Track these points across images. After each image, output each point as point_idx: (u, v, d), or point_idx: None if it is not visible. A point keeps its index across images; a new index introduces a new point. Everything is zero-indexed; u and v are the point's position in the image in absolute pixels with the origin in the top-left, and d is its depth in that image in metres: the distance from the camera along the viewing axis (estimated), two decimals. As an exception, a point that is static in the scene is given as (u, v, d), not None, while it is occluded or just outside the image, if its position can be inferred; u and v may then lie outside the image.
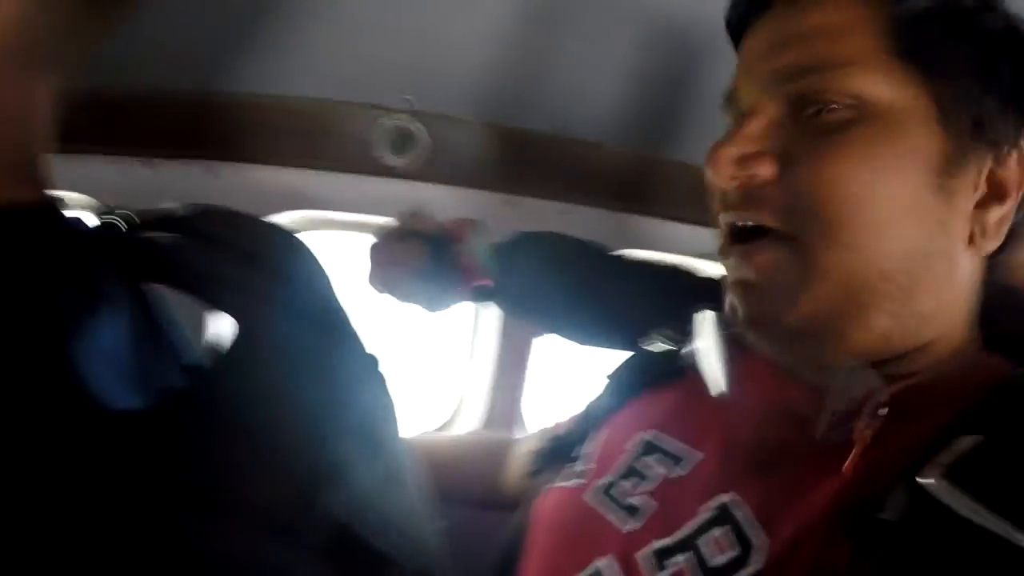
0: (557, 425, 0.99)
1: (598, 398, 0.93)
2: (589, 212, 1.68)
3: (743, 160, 0.66)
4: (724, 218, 0.71)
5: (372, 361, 0.74)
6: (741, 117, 0.69)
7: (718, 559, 0.61)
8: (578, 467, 0.83)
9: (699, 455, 0.73)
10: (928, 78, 0.64)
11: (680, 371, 0.84)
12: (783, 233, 0.65)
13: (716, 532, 0.63)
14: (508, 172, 1.60)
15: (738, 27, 0.75)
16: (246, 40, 1.36)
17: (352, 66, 1.44)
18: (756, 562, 0.59)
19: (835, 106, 0.63)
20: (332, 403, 0.62)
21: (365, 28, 1.39)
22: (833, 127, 0.63)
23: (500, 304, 1.25)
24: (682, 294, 1.04)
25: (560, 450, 0.89)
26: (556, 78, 1.58)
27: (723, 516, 0.64)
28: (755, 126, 0.67)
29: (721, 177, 0.67)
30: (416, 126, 1.50)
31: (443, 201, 1.54)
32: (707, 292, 0.82)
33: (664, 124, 1.65)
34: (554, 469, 0.87)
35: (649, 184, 1.69)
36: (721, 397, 0.75)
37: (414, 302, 1.16)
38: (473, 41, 1.48)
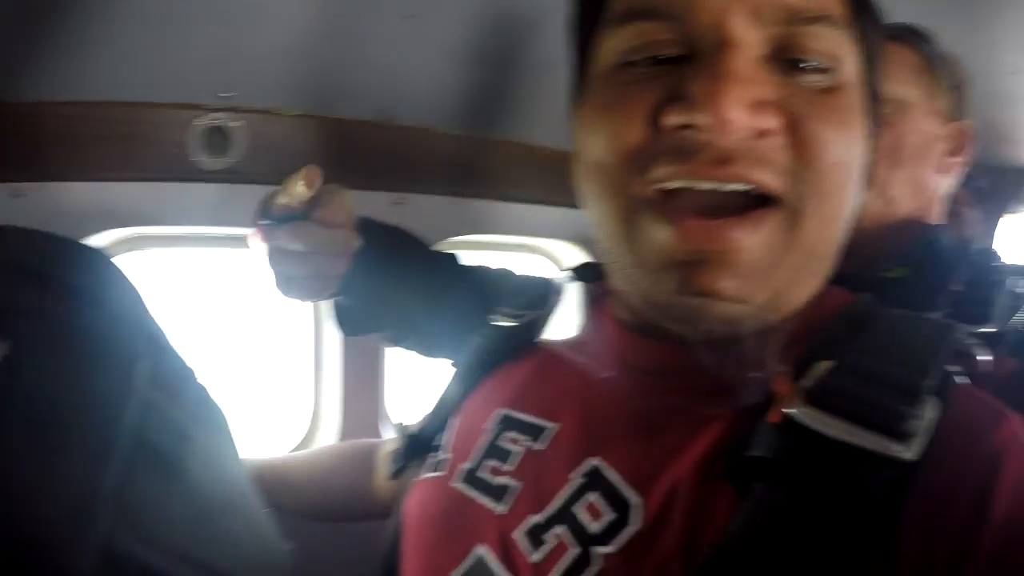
0: (415, 421, 0.96)
1: (449, 385, 0.90)
2: (424, 200, 1.64)
3: (754, 109, 0.56)
4: (706, 181, 0.58)
5: (188, 374, 0.69)
6: (681, 46, 0.60)
7: (595, 525, 0.60)
8: (440, 456, 0.81)
9: (556, 426, 0.71)
10: (867, 51, 0.65)
11: (526, 346, 0.83)
12: (782, 200, 0.59)
13: (590, 497, 0.62)
14: (335, 165, 1.44)
15: None
16: (36, 41, 1.19)
17: (159, 63, 1.29)
18: (635, 522, 0.58)
19: (817, 66, 0.59)
20: (117, 423, 0.57)
21: (169, 20, 1.25)
22: (821, 87, 0.60)
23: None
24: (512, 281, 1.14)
25: (420, 444, 0.87)
26: (377, 61, 1.52)
27: (594, 481, 0.63)
28: (748, 66, 0.57)
29: (735, 124, 0.55)
30: (233, 124, 1.38)
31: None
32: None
33: (494, 104, 1.63)
34: (417, 464, 0.85)
35: (484, 166, 1.67)
36: (577, 365, 0.74)
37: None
38: (286, 26, 1.38)
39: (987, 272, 1.11)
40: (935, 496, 0.50)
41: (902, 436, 0.51)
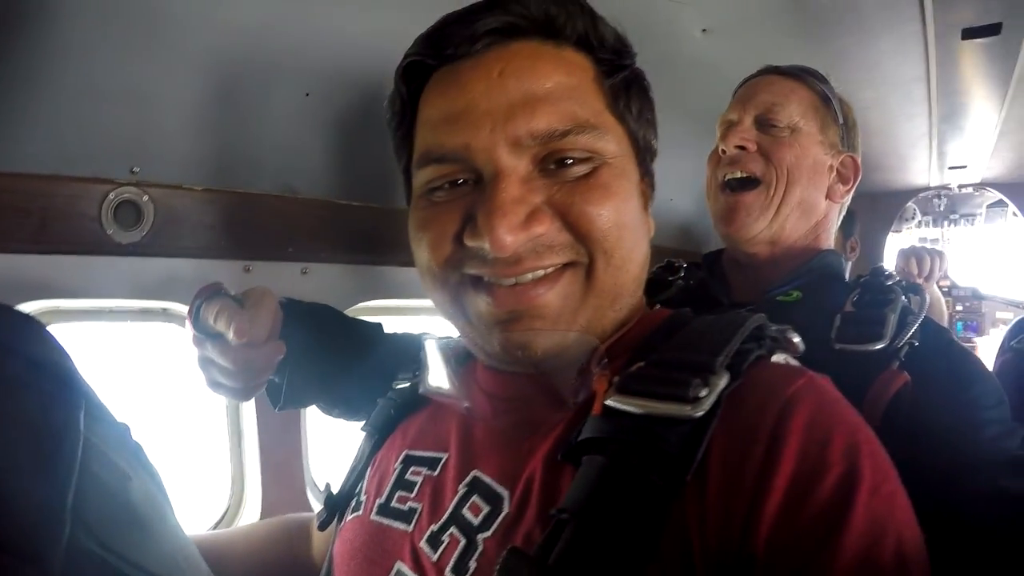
0: (338, 481, 1.07)
1: (362, 445, 1.03)
2: (328, 268, 1.70)
3: (524, 224, 0.72)
4: (506, 279, 0.75)
5: (123, 429, 0.79)
6: (470, 173, 0.76)
7: (477, 519, 0.74)
8: (360, 499, 0.94)
9: (446, 454, 0.86)
10: (628, 128, 0.83)
11: (422, 397, 0.97)
12: (574, 263, 0.77)
13: (472, 499, 0.77)
14: (241, 237, 1.58)
15: (424, 70, 0.82)
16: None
17: (72, 138, 1.34)
18: (506, 508, 0.73)
19: (578, 157, 0.76)
20: (73, 453, 0.67)
21: (82, 97, 1.31)
22: (582, 174, 0.76)
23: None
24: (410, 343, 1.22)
25: (342, 497, 1.00)
26: (278, 137, 1.60)
27: (474, 486, 0.78)
28: (516, 188, 0.73)
29: (511, 246, 0.71)
30: (145, 198, 1.43)
31: (182, 275, 1.51)
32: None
33: (389, 175, 1.65)
34: (341, 514, 0.98)
35: (383, 234, 1.72)
36: (455, 404, 0.89)
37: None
38: (192, 104, 1.45)
39: (879, 291, 1.19)
40: (734, 441, 0.63)
41: (691, 401, 0.64)
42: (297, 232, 1.67)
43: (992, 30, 2.22)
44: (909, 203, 4.99)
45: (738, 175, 1.34)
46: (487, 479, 0.78)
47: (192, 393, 1.33)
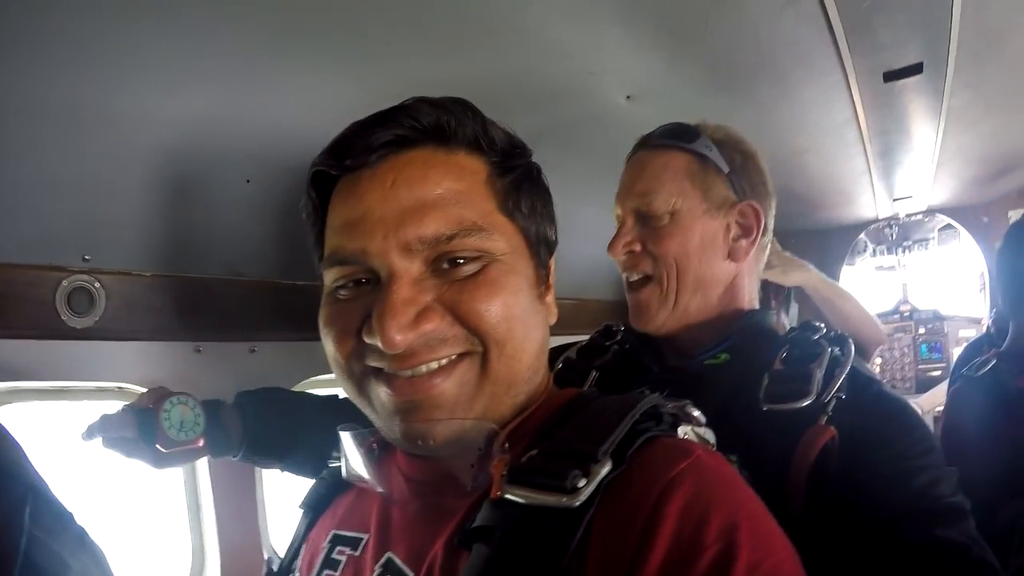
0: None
1: (299, 522, 1.07)
2: (274, 347, 1.75)
3: (413, 323, 0.76)
4: (401, 371, 0.79)
5: (67, 516, 0.85)
6: (369, 273, 0.80)
7: None
8: (295, 575, 1.00)
9: (367, 535, 0.90)
10: (519, 225, 0.88)
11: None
12: (469, 352, 0.80)
13: None
14: (190, 319, 1.63)
15: (330, 176, 0.86)
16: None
17: (26, 226, 1.39)
18: None
19: (468, 257, 0.80)
20: (16, 549, 0.72)
21: (35, 187, 1.36)
22: (470, 273, 0.80)
23: (238, 456, 1.45)
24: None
25: (281, 571, 1.04)
26: (223, 222, 1.65)
27: (387, 568, 0.83)
28: (407, 291, 0.77)
29: (401, 344, 0.75)
30: (97, 285, 1.48)
31: (134, 357, 1.56)
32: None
33: None
34: None
35: None
36: (372, 489, 0.94)
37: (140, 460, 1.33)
38: (140, 192, 1.50)
39: (806, 346, 1.18)
40: (613, 527, 0.66)
41: (569, 491, 0.67)
42: (244, 313, 1.71)
43: (914, 70, 2.31)
44: (860, 236, 5.14)
45: (634, 277, 1.34)
46: (398, 561, 0.83)
47: (148, 468, 1.38)
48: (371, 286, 0.81)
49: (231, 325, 1.70)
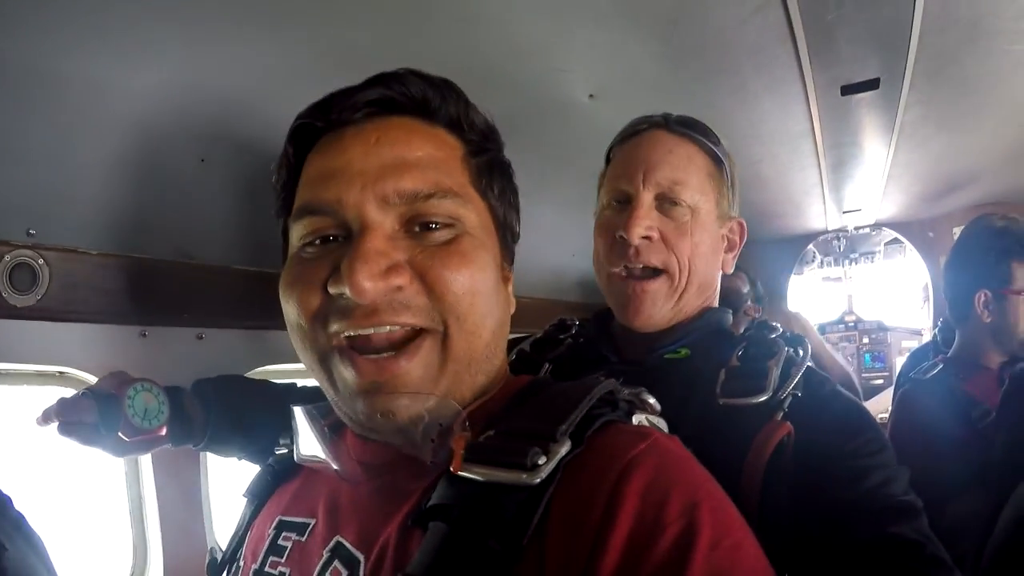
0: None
1: (244, 509, 1.06)
2: (223, 334, 1.71)
3: (384, 274, 0.76)
4: (363, 329, 0.77)
5: (5, 501, 0.82)
6: (340, 229, 0.80)
7: None
8: (239, 564, 0.98)
9: (314, 520, 0.89)
10: (489, 204, 0.90)
11: (298, 464, 1.02)
12: (429, 330, 0.79)
13: (334, 564, 0.80)
14: (137, 302, 1.58)
15: (312, 134, 0.87)
16: None
17: None
18: (361, 571, 0.77)
19: (441, 223, 0.81)
20: None
21: None
22: (443, 240, 0.81)
23: (200, 444, 1.43)
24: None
25: (224, 562, 1.02)
26: (174, 202, 1.61)
27: (335, 552, 0.82)
28: (380, 242, 0.77)
29: (370, 292, 0.75)
30: (40, 262, 1.41)
31: (77, 339, 1.51)
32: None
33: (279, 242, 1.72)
34: None
35: (277, 300, 1.67)
36: (323, 471, 0.93)
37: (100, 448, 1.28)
38: (89, 168, 1.46)
39: (763, 344, 1.19)
40: (573, 505, 0.67)
41: (529, 468, 0.68)
42: (193, 297, 1.67)
43: (870, 85, 2.38)
44: (809, 246, 5.25)
45: (638, 267, 1.27)
46: (347, 544, 0.81)
47: (90, 458, 1.33)
48: (339, 244, 0.81)
49: (179, 310, 1.66)
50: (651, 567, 0.61)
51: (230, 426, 1.45)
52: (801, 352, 1.17)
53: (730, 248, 1.37)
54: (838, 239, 5.18)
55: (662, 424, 0.83)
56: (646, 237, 1.25)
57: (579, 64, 1.87)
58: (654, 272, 1.26)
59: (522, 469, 0.68)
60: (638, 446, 0.71)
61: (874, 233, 5.20)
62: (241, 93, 1.57)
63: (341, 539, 0.83)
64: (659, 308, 1.27)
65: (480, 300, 0.83)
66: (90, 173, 1.47)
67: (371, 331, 0.78)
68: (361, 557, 0.79)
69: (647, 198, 1.26)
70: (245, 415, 1.46)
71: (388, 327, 0.78)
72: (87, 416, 1.25)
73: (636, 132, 1.36)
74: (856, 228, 4.92)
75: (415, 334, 0.80)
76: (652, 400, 0.85)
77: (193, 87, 1.51)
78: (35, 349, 1.48)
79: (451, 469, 0.73)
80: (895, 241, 5.33)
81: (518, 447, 0.71)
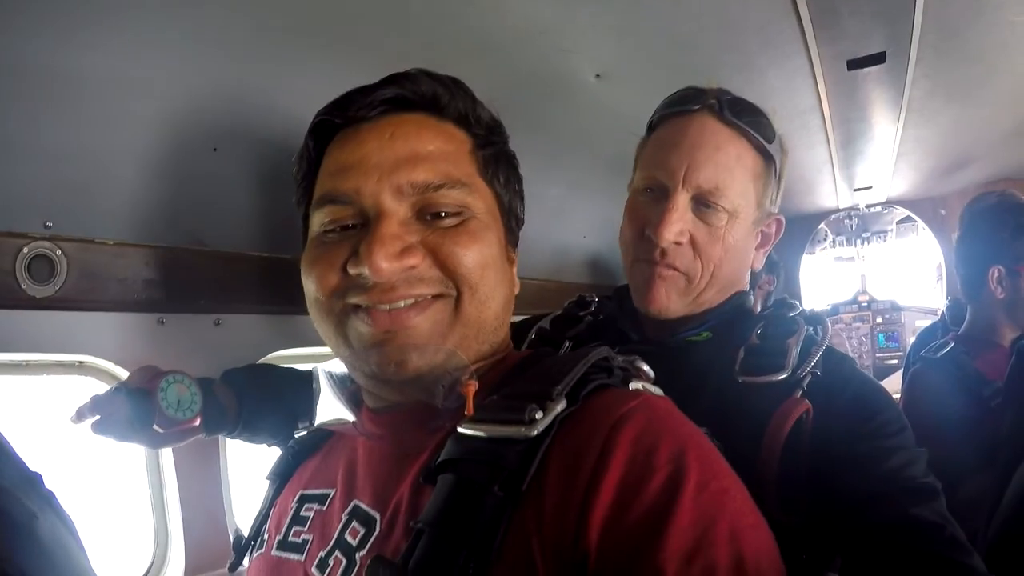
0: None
1: (267, 490, 1.14)
2: (239, 319, 1.74)
3: (399, 255, 0.83)
4: (381, 305, 0.85)
5: (35, 477, 0.85)
6: (359, 217, 0.88)
7: (355, 541, 0.86)
8: (263, 538, 1.05)
9: (333, 490, 0.97)
10: (495, 192, 0.98)
11: (315, 443, 1.12)
12: (441, 295, 0.88)
13: (352, 525, 0.88)
14: (154, 290, 1.61)
15: (330, 130, 0.95)
16: None
17: None
18: (378, 528, 0.84)
19: (450, 211, 0.89)
20: None
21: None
22: (454, 224, 0.89)
23: (234, 433, 1.49)
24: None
25: (250, 539, 1.10)
26: (189, 191, 1.64)
27: (353, 514, 0.89)
28: (395, 227, 0.85)
29: (387, 272, 0.82)
30: (58, 252, 1.44)
31: (96, 328, 1.53)
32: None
33: (298, 227, 1.71)
34: (249, 554, 1.09)
35: (294, 284, 1.64)
36: (343, 436, 1.03)
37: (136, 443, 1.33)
38: (105, 159, 1.49)
39: (782, 323, 1.17)
40: (568, 455, 0.72)
41: (527, 423, 0.74)
42: (209, 284, 1.70)
43: (876, 59, 2.38)
44: (821, 225, 5.23)
45: (658, 259, 1.23)
46: (364, 506, 0.89)
47: (112, 447, 1.35)
48: (358, 230, 0.89)
49: (195, 296, 1.68)
50: (641, 508, 0.67)
51: (261, 413, 1.49)
52: (821, 331, 1.17)
53: (763, 244, 1.33)
54: (850, 218, 5.17)
55: (657, 392, 0.86)
56: (676, 242, 1.21)
57: (585, 44, 1.89)
58: (673, 268, 1.23)
59: (521, 423, 0.75)
60: (629, 403, 0.76)
61: (885, 212, 5.18)
62: (254, 85, 1.60)
63: (358, 502, 0.90)
64: (674, 301, 1.25)
65: (489, 273, 0.91)
66: (106, 165, 1.49)
67: (387, 306, 0.85)
68: (377, 515, 0.86)
69: (683, 199, 1.20)
70: (275, 401, 1.51)
71: (403, 301, 0.85)
72: (120, 412, 1.29)
73: (685, 111, 1.26)
74: (868, 206, 4.89)
75: (430, 301, 0.88)
76: (646, 368, 0.89)
77: (206, 80, 1.54)
78: (55, 339, 1.50)
79: (465, 412, 0.81)
80: (907, 219, 5.31)
81: (517, 406, 0.77)
